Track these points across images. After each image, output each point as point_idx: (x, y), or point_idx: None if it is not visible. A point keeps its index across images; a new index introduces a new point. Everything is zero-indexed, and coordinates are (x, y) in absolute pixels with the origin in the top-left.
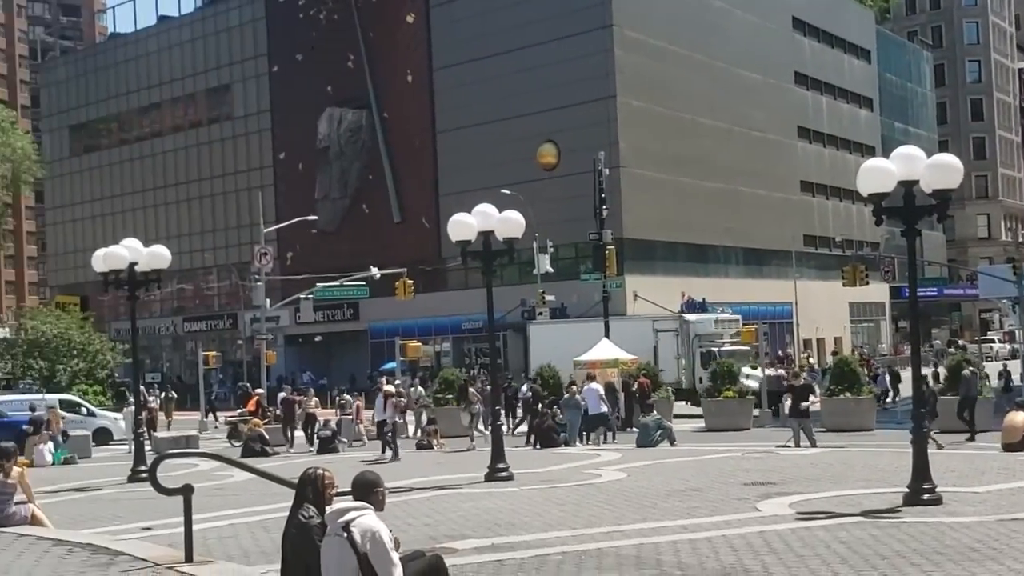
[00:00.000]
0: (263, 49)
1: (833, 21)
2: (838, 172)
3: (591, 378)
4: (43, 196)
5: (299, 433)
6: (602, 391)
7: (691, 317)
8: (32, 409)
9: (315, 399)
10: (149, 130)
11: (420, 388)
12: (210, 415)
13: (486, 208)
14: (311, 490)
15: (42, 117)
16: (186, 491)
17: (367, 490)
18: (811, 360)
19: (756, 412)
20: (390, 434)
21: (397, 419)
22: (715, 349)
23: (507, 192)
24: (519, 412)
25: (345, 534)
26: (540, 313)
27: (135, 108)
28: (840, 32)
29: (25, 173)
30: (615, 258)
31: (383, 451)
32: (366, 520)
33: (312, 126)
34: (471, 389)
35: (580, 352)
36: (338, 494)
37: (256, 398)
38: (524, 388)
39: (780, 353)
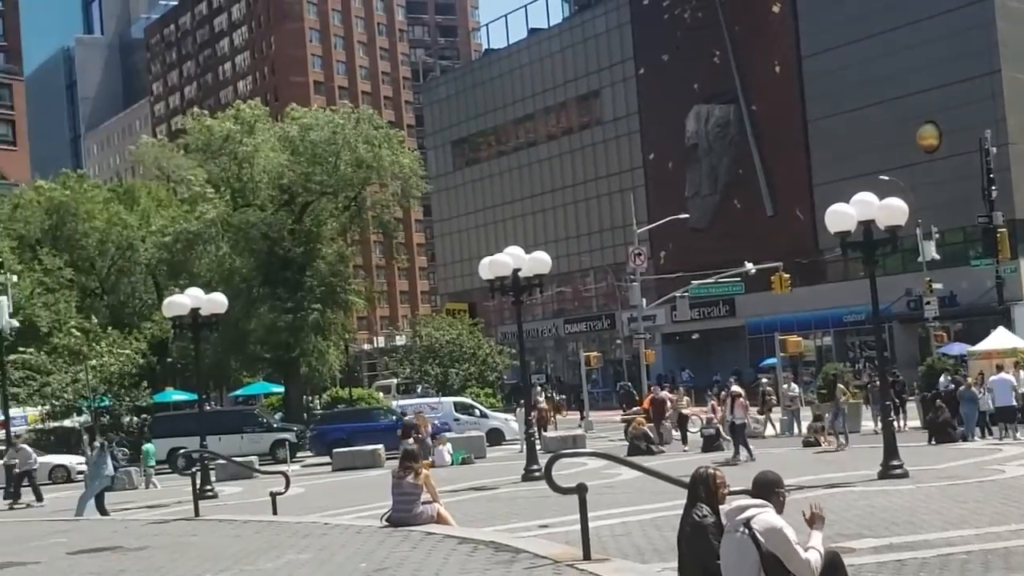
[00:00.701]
0: (629, 53)
1: None
2: None
3: (1000, 368)
4: (430, 210)
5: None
6: (1015, 382)
7: None
8: (403, 414)
9: (686, 398)
10: (524, 140)
11: (795, 385)
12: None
13: (865, 196)
14: (703, 489)
15: (426, 135)
16: (580, 490)
17: (769, 490)
18: None
19: None
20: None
21: (747, 419)
22: None
23: (886, 178)
24: (909, 406)
25: (746, 531)
26: (928, 303)
27: (510, 120)
28: None
29: (413, 189)
30: (1007, 241)
31: (730, 451)
32: (767, 517)
33: (680, 125)
34: (839, 386)
35: None
36: (730, 493)
37: (651, 396)
38: (943, 380)
39: None
